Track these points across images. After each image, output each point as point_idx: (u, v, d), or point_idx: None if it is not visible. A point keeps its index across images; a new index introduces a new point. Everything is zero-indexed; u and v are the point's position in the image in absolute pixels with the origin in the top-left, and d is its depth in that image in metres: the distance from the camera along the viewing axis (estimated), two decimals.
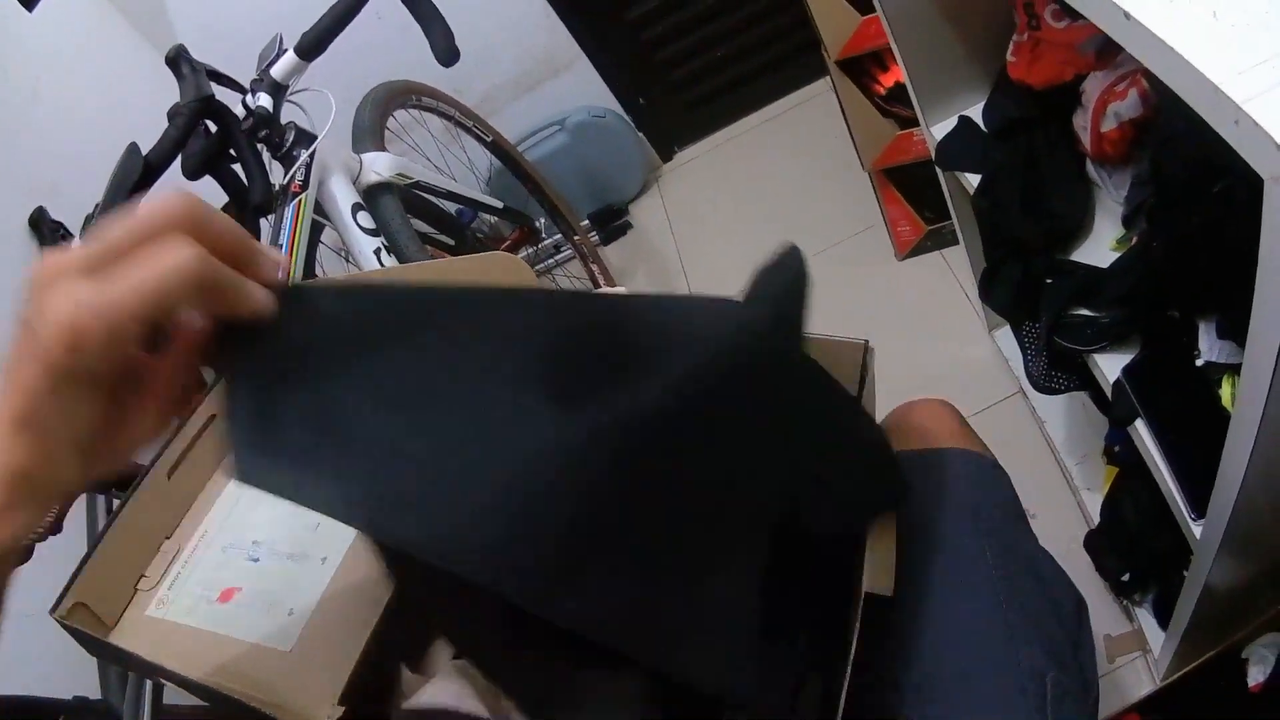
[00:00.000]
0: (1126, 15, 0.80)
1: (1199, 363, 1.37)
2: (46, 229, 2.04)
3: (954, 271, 2.92)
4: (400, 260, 2.09)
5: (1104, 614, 2.05)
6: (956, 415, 1.32)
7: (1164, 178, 1.38)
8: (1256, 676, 1.64)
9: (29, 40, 2.39)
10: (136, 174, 1.79)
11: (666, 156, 4.10)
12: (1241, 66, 0.70)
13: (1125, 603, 2.02)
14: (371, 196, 2.24)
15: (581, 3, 3.57)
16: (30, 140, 2.24)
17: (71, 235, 2.01)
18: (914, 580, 1.08)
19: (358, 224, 2.10)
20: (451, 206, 2.92)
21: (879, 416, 1.31)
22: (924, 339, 2.81)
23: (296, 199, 1.96)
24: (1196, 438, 1.31)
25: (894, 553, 0.95)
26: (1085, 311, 1.55)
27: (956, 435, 1.27)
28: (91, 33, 2.81)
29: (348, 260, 2.74)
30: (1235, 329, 1.28)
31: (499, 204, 2.88)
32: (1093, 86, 1.60)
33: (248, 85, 2.05)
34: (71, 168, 2.26)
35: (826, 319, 2.48)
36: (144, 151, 1.83)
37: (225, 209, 2.33)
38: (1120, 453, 1.92)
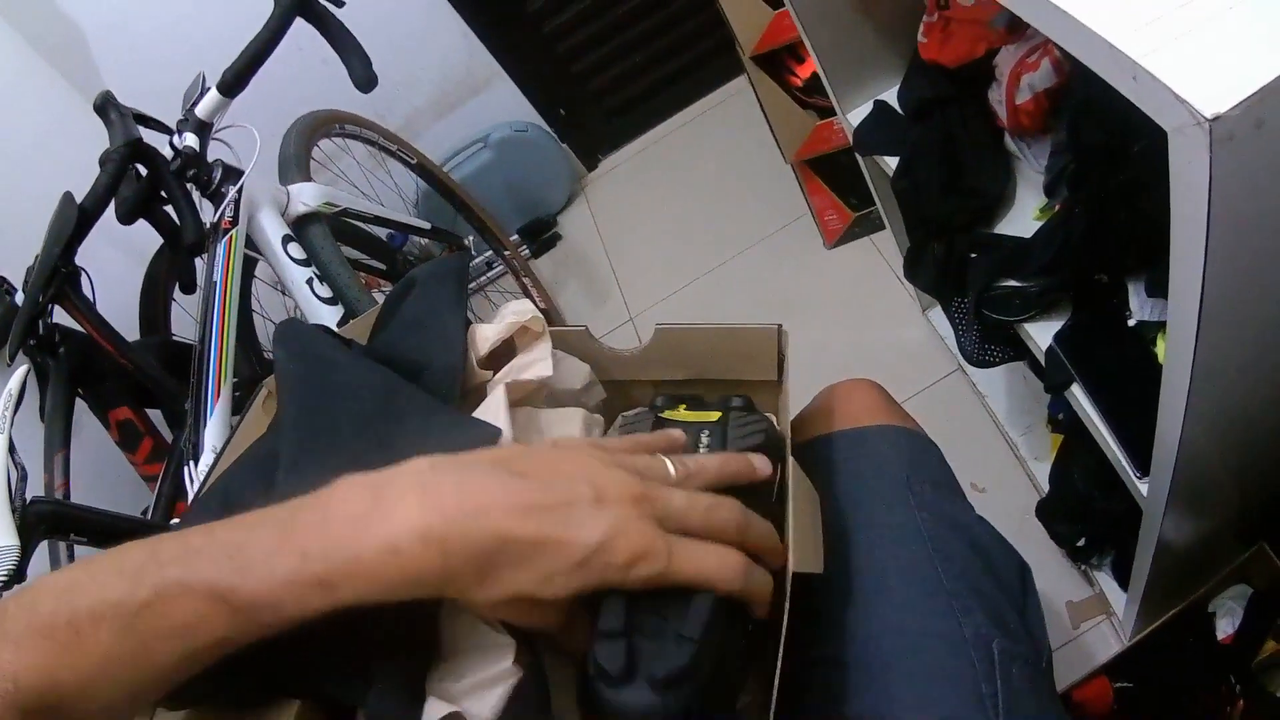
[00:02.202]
0: None
1: (1132, 323, 1.39)
2: None
3: (884, 256, 2.96)
4: (333, 289, 2.10)
5: (1064, 581, 2.08)
6: (881, 393, 1.31)
7: (1082, 143, 1.40)
8: (1225, 629, 1.66)
9: None
10: (72, 224, 1.80)
11: (591, 165, 4.12)
12: (1137, 24, 0.72)
13: (1084, 568, 2.05)
14: (301, 227, 2.24)
15: (497, 18, 3.59)
16: None
17: (14, 289, 1.99)
18: (849, 558, 1.07)
19: (289, 255, 2.10)
20: (382, 231, 2.92)
21: (809, 400, 1.33)
22: (859, 325, 2.84)
23: (227, 235, 1.96)
24: (1134, 397, 1.33)
25: (820, 530, 0.97)
26: (1012, 283, 1.56)
27: (881, 412, 1.26)
28: (17, 82, 2.81)
29: (284, 294, 2.75)
30: (1163, 285, 1.30)
31: (427, 225, 2.88)
32: (1005, 60, 1.63)
33: (174, 126, 2.04)
34: (8, 218, 2.26)
35: (759, 311, 2.53)
36: (78, 200, 1.83)
37: (160, 251, 2.33)
38: (1064, 420, 1.95)
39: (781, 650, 0.77)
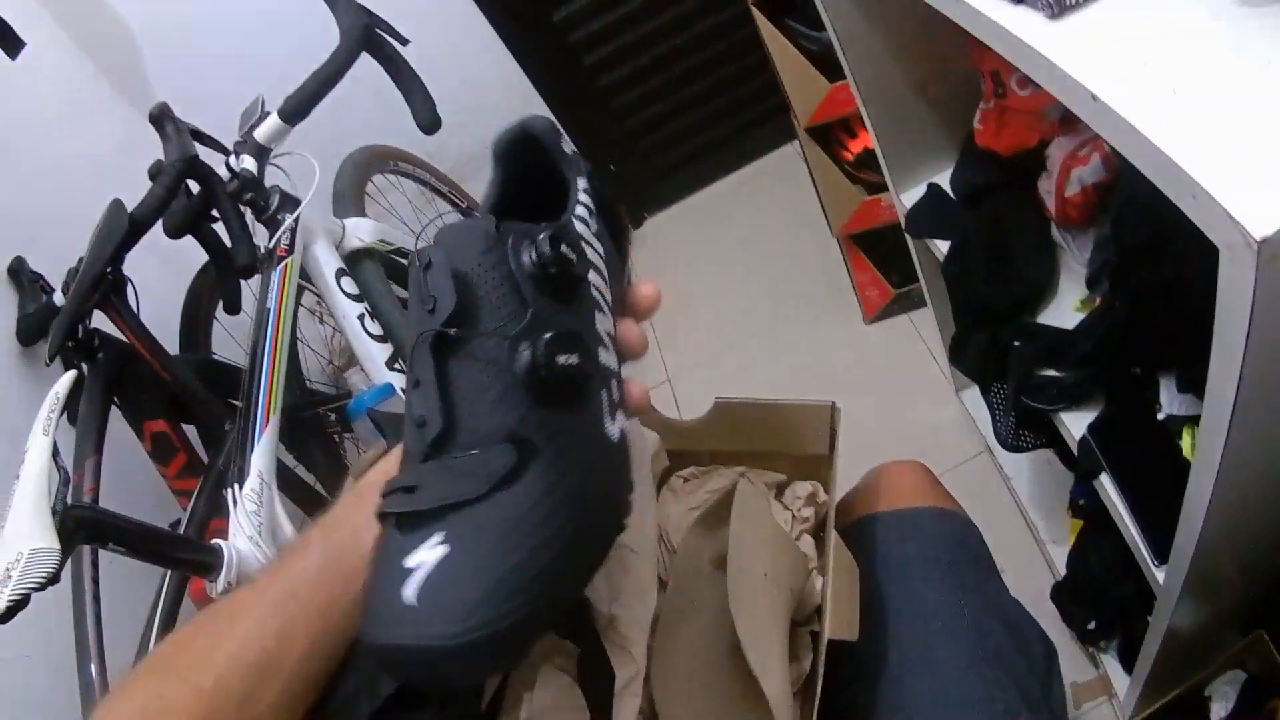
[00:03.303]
0: (1094, 97, 0.84)
1: (1160, 416, 1.41)
2: (26, 279, 2.05)
3: (921, 334, 2.97)
4: (384, 326, 2.11)
5: (1070, 662, 2.09)
6: (929, 475, 1.39)
7: (1125, 240, 1.42)
8: (1219, 712, 1.67)
9: (7, 89, 2.41)
10: (122, 232, 1.80)
11: (637, 223, 4.12)
12: (1198, 140, 0.75)
13: (1091, 650, 2.08)
14: (354, 262, 2.26)
15: (553, 70, 3.62)
16: (8, 188, 2.25)
17: (52, 289, 2.01)
18: (893, 633, 1.14)
19: (342, 289, 2.11)
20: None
21: (849, 476, 1.37)
22: (893, 401, 2.84)
23: (283, 263, 1.97)
24: (1159, 488, 1.35)
25: (856, 601, 0.99)
26: (1051, 372, 1.59)
27: (929, 494, 1.33)
28: (70, 86, 2.83)
29: (322, 322, 2.76)
30: (1194, 382, 1.33)
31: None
32: (1057, 152, 1.64)
33: (230, 146, 2.06)
34: (50, 218, 2.27)
35: (795, 383, 2.53)
36: (128, 209, 1.83)
37: (205, 268, 2.34)
38: (1085, 506, 1.97)
39: (815, 712, 0.78)
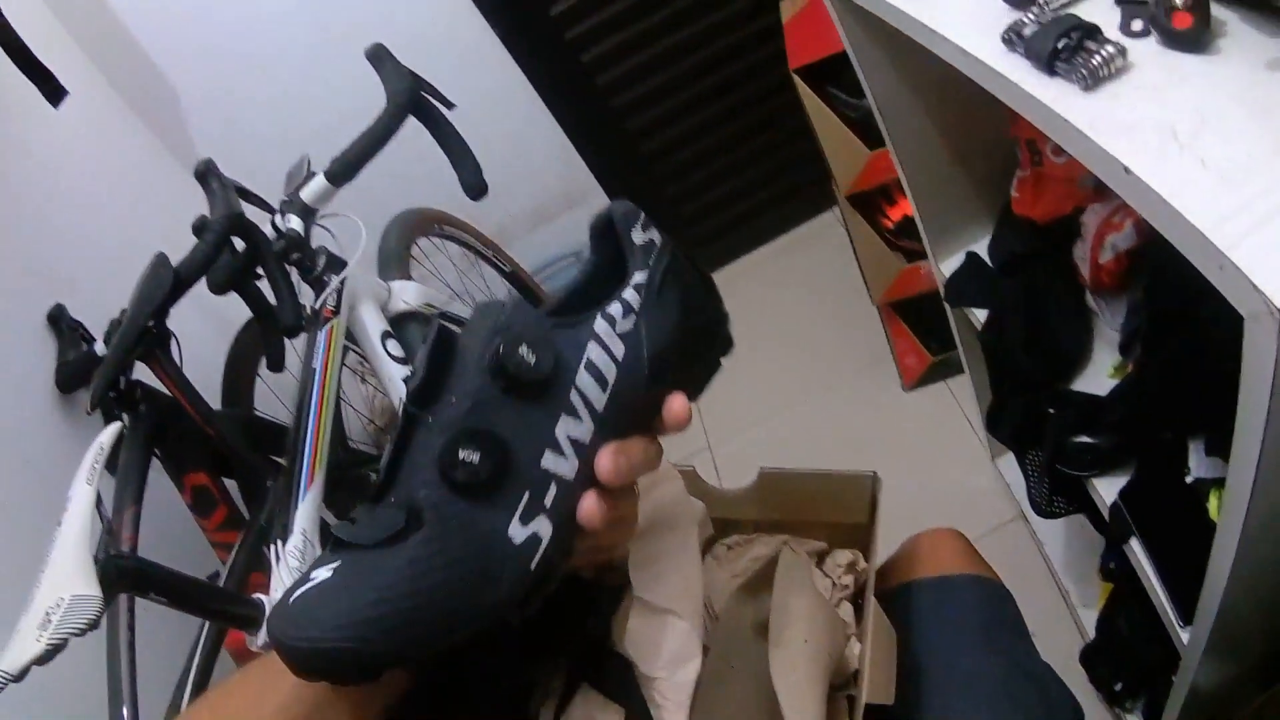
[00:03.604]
0: (1126, 169, 0.86)
1: (1189, 479, 1.43)
2: (65, 327, 2.06)
3: (958, 401, 2.97)
4: None
5: None
6: (965, 542, 1.41)
7: (1156, 306, 1.45)
8: None
9: (49, 137, 2.45)
10: (166, 286, 1.80)
11: None
12: (1225, 212, 0.77)
13: (1117, 711, 2.06)
14: (400, 325, 2.26)
15: (598, 137, 3.67)
16: (48, 234, 2.28)
17: (92, 338, 2.03)
18: (928, 697, 1.17)
19: (388, 352, 2.12)
20: None
21: (888, 541, 1.39)
22: (929, 468, 2.84)
23: (329, 324, 1.98)
24: (1186, 550, 1.35)
25: (894, 666, 1.01)
26: (1085, 439, 1.60)
27: (965, 561, 1.36)
28: (112, 136, 2.89)
29: (364, 381, 2.78)
30: (1221, 445, 1.34)
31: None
32: (1091, 218, 1.66)
33: (275, 205, 2.08)
34: (89, 266, 2.30)
35: (834, 450, 2.54)
36: (173, 263, 1.85)
37: (249, 325, 2.36)
38: (1115, 569, 1.98)
39: None
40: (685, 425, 0.79)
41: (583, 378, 0.75)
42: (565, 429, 0.74)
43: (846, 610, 1.30)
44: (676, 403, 0.79)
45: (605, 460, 0.74)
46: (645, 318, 0.79)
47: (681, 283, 0.82)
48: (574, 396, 0.74)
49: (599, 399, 0.75)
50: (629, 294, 0.79)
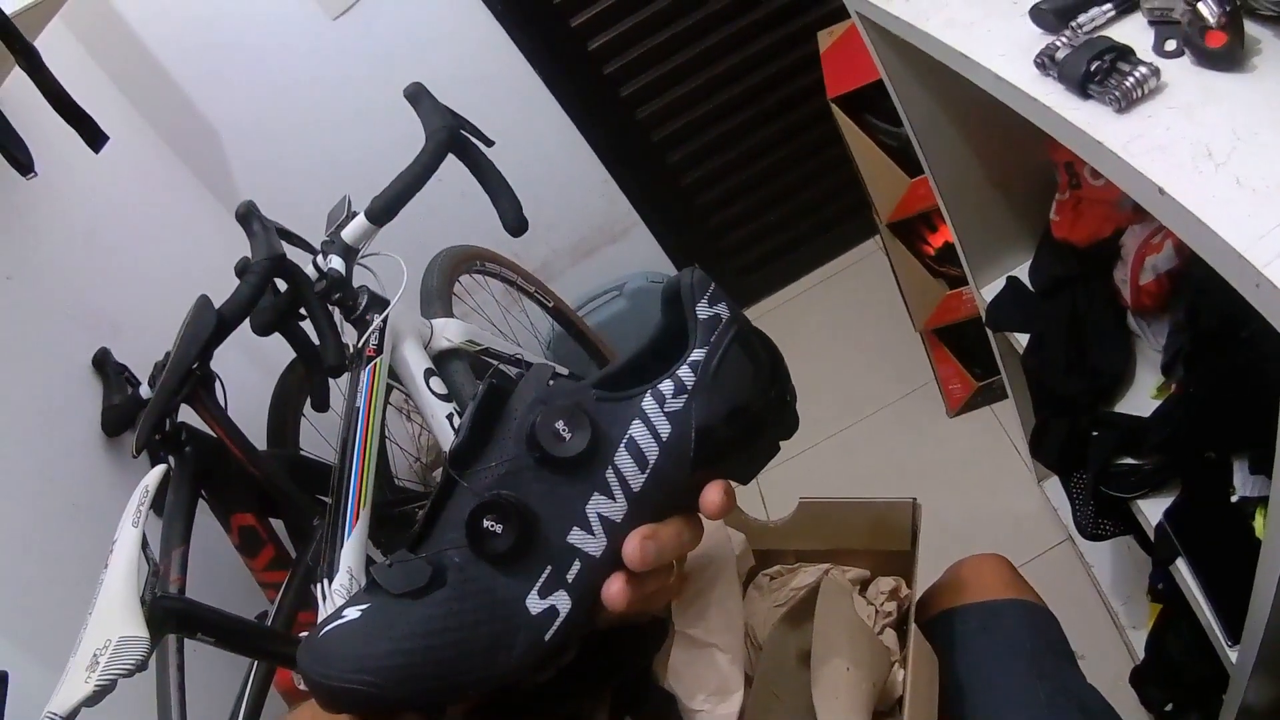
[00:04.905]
0: (1161, 191, 0.85)
1: (1234, 499, 1.42)
2: (111, 370, 2.09)
3: (1004, 426, 2.95)
4: None
5: None
6: (1009, 567, 1.41)
7: (1199, 326, 1.45)
8: None
9: (92, 181, 2.47)
10: (210, 328, 1.82)
11: None
12: (1261, 230, 0.76)
13: None
14: (443, 363, 2.27)
15: (639, 170, 3.68)
16: (93, 278, 2.31)
17: (137, 381, 2.05)
18: (976, 718, 1.15)
19: (431, 390, 2.12)
20: (515, 370, 2.95)
21: (933, 567, 1.39)
22: (976, 493, 2.83)
23: (371, 363, 1.98)
24: (1232, 569, 1.35)
25: (935, 692, 1.01)
26: (1129, 460, 1.60)
27: (1011, 586, 1.36)
28: (155, 179, 2.92)
29: (409, 419, 2.79)
30: (1265, 463, 1.33)
31: (565, 371, 2.86)
32: (1131, 240, 1.66)
33: (317, 245, 2.08)
34: (133, 309, 2.33)
35: (879, 477, 2.54)
36: (215, 305, 1.86)
37: (293, 365, 2.37)
38: (1163, 590, 1.96)
39: None
40: (724, 514, 0.77)
41: (621, 456, 0.73)
42: (597, 506, 0.73)
43: (890, 637, 1.30)
44: (713, 493, 0.75)
45: (633, 545, 0.72)
46: (697, 399, 0.76)
47: (742, 363, 0.80)
48: (610, 474, 0.73)
49: (636, 479, 0.74)
50: (684, 371, 0.77)
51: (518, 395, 0.74)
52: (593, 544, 0.72)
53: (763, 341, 0.82)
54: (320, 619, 1.65)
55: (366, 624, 0.69)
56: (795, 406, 0.86)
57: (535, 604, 0.71)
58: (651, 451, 0.74)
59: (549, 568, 0.71)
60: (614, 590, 0.72)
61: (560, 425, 0.71)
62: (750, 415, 0.79)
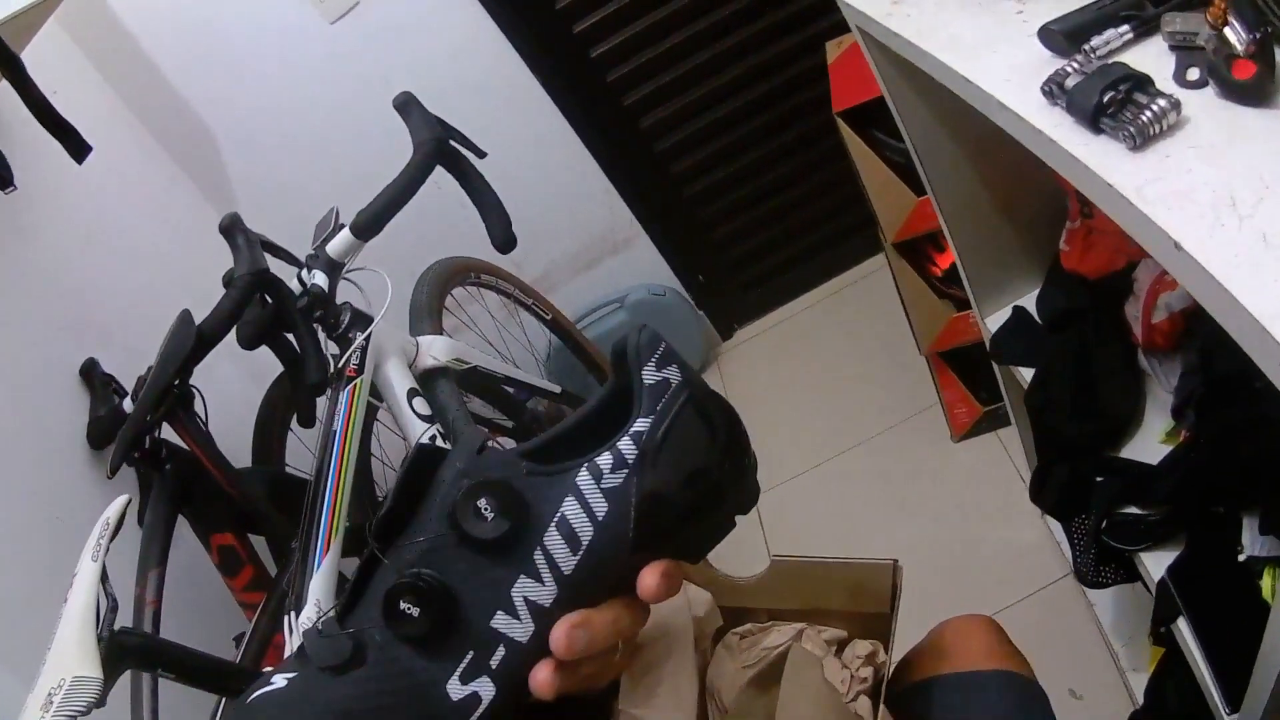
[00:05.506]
0: (1177, 245, 0.79)
1: (1241, 558, 1.39)
2: (98, 381, 2.06)
3: (1009, 452, 2.91)
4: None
5: None
6: (996, 632, 1.36)
7: (1214, 371, 1.41)
8: None
9: (82, 190, 2.44)
10: (189, 345, 1.80)
11: (726, 335, 4.10)
12: None
13: None
14: (427, 381, 2.23)
15: (641, 180, 3.64)
16: (82, 287, 2.29)
17: (124, 391, 2.02)
18: None
19: (413, 410, 2.08)
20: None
21: (916, 630, 1.37)
22: (978, 522, 2.78)
23: (351, 384, 1.95)
24: (1235, 632, 1.33)
25: None
26: (1134, 510, 1.56)
27: (996, 655, 1.31)
28: (147, 188, 2.89)
29: (405, 439, 2.74)
30: (1276, 523, 1.31)
31: (557, 389, 2.85)
32: (1145, 275, 1.62)
33: (302, 258, 2.05)
34: (123, 319, 2.31)
35: (880, 503, 2.51)
36: (196, 320, 1.84)
37: (279, 379, 2.34)
38: (1166, 634, 1.92)
39: None
40: (664, 599, 0.70)
41: (552, 536, 0.68)
42: (523, 590, 0.68)
43: (864, 705, 1.26)
44: (650, 577, 0.69)
45: (559, 634, 0.67)
46: (639, 474, 0.70)
47: (694, 432, 0.73)
48: (539, 556, 0.68)
49: (568, 562, 0.68)
50: (625, 444, 0.70)
51: (447, 464, 0.69)
52: (519, 629, 0.68)
53: (719, 406, 0.76)
54: (286, 654, 1.62)
55: (290, 694, 0.66)
56: (755, 475, 0.80)
57: (456, 690, 0.67)
58: (585, 532, 0.68)
59: (471, 653, 0.67)
60: (540, 678, 0.67)
61: (483, 503, 0.66)
62: (702, 489, 0.73)
